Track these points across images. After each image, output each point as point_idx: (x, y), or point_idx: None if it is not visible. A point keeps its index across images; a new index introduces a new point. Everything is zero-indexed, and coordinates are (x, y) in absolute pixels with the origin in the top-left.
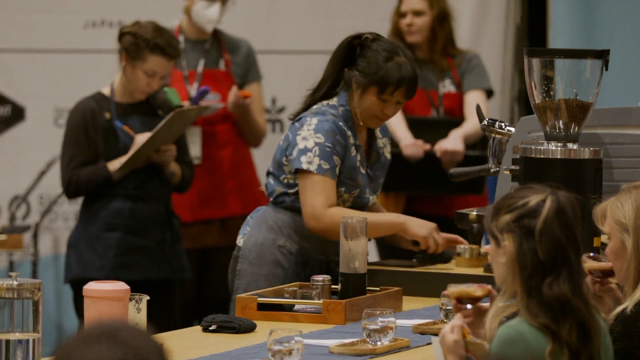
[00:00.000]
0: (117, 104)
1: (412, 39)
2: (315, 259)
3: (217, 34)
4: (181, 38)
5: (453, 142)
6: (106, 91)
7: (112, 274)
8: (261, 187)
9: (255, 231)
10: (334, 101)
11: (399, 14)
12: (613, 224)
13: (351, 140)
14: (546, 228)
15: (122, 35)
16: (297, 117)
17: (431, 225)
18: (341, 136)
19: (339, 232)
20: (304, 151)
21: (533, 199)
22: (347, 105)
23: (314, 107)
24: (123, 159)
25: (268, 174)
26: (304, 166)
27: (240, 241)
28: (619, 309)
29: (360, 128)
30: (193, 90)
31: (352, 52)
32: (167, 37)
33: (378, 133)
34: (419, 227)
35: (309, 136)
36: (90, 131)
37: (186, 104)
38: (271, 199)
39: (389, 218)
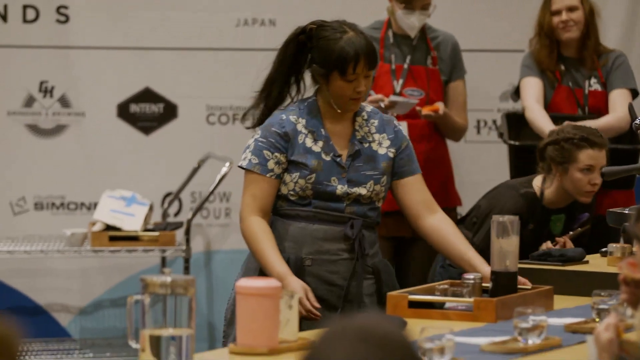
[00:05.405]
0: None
1: (569, 35)
2: (285, 256)
3: (424, 29)
4: (390, 32)
5: None
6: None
7: None
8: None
9: None
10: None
11: (551, 13)
12: None
13: (302, 129)
14: None
15: (543, 151)
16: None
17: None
18: (279, 126)
19: (248, 241)
20: (245, 148)
21: None
22: (314, 96)
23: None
24: None
25: None
26: (240, 163)
27: None
28: None
29: (332, 118)
30: (398, 86)
31: (301, 49)
32: (589, 130)
33: (367, 128)
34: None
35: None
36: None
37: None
38: None
39: (277, 268)
